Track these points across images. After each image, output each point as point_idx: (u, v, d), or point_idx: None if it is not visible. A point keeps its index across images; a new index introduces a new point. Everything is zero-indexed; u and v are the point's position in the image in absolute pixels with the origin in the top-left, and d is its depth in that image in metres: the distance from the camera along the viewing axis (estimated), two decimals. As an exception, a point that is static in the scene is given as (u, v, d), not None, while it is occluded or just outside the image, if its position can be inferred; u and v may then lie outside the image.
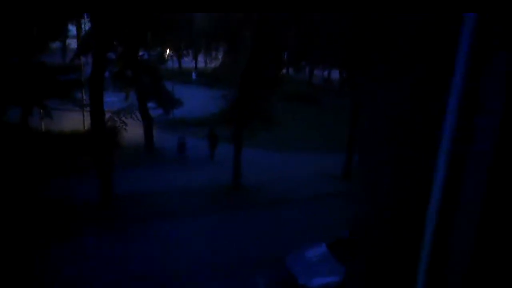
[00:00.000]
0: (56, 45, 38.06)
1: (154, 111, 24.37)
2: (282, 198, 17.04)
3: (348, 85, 30.85)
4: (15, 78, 19.11)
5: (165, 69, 33.91)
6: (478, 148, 2.04)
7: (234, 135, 17.61)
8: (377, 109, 4.27)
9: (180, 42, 43.14)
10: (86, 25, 29.24)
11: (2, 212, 14.18)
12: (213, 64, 47.85)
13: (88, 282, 10.87)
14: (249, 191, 17.70)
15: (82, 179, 17.28)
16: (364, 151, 4.71)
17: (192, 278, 11.21)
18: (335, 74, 48.09)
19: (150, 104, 23.61)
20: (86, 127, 22.20)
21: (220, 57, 45.76)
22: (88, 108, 17.69)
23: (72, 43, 41.54)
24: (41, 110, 21.24)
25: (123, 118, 20.18)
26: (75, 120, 23.90)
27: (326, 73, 52.77)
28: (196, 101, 32.70)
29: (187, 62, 51.40)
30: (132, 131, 21.13)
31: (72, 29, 42.32)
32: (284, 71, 47.59)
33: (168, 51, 38.05)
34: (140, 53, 24.26)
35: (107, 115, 17.15)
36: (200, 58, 52.87)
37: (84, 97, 22.72)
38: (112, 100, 22.60)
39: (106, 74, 18.57)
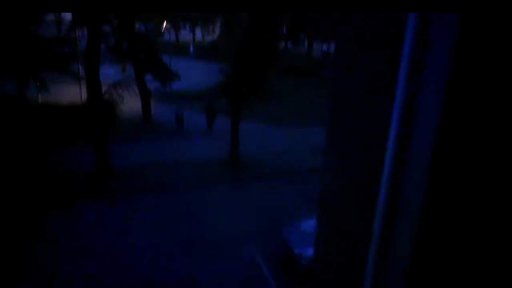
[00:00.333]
0: (50, 17, 37.52)
1: (152, 84, 24.25)
2: (279, 171, 17.17)
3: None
4: (10, 50, 18.93)
5: (162, 42, 33.53)
6: (416, 151, 2.08)
7: (232, 108, 17.58)
8: (338, 98, 4.34)
9: (177, 15, 42.51)
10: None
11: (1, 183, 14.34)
12: (211, 38, 47.28)
13: (87, 252, 11.11)
14: (247, 164, 17.82)
15: (80, 151, 17.40)
16: (329, 140, 4.85)
17: (192, 247, 11.45)
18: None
19: (147, 77, 23.48)
20: (83, 100, 22.14)
21: (217, 30, 45.17)
22: (84, 81, 17.60)
23: (68, 15, 40.98)
24: (37, 83, 21.13)
25: (120, 91, 20.09)
26: (72, 93, 23.81)
27: (325, 46, 52.27)
28: (193, 75, 32.51)
29: (185, 35, 50.78)
30: (130, 104, 21.10)
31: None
32: (282, 44, 47.09)
33: (164, 24, 37.54)
34: (136, 26, 23.96)
35: (104, 88, 17.08)
36: (198, 32, 52.21)
37: (81, 70, 22.54)
38: (109, 72, 22.45)
39: (102, 47, 18.39)
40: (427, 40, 1.90)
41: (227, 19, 35.16)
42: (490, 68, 1.74)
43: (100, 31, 16.31)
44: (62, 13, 43.86)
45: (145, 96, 22.82)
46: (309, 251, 10.26)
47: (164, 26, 37.67)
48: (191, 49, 46.89)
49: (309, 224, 11.16)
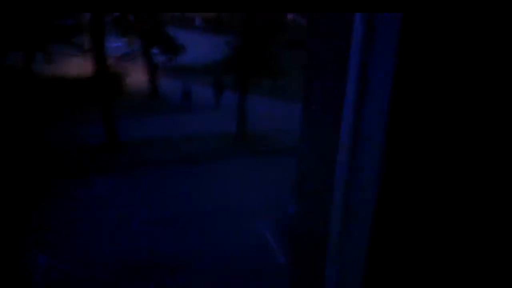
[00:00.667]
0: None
1: (158, 57, 24.02)
2: (287, 146, 17.12)
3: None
4: (16, 22, 18.73)
5: (167, 15, 33.05)
6: (367, 147, 2.07)
7: (239, 83, 17.42)
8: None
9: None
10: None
11: (7, 155, 14.43)
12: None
13: (96, 223, 11.24)
14: (254, 139, 17.76)
15: (87, 124, 17.40)
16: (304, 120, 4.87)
17: (202, 221, 11.55)
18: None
19: (153, 50, 23.24)
20: (89, 73, 22.04)
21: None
22: (90, 54, 17.47)
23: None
24: (44, 55, 21.04)
25: (127, 64, 19.98)
26: (78, 65, 23.65)
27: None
28: (200, 48, 32.14)
29: (191, 7, 49.98)
30: (136, 77, 20.97)
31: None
32: (291, 16, 46.29)
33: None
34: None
35: (111, 61, 16.97)
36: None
37: (85, 42, 22.35)
38: (116, 45, 22.24)
39: (108, 19, 18.16)
40: (373, 40, 1.90)
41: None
42: (434, 66, 1.73)
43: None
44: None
45: (152, 70, 22.65)
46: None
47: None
48: (197, 21, 46.27)
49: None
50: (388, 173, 1.92)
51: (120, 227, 11.15)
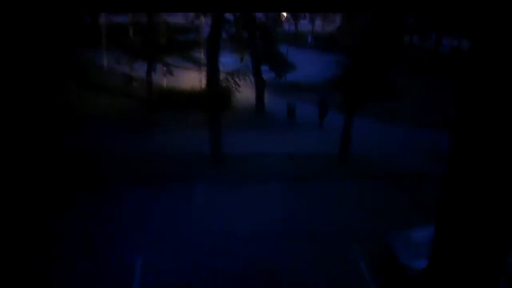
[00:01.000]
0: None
1: (267, 74, 24.45)
2: (390, 172, 16.16)
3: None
4: (142, 35, 20.50)
5: (280, 32, 33.68)
6: None
7: (346, 103, 16.88)
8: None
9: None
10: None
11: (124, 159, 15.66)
12: (330, 28, 46.28)
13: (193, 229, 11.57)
14: (357, 162, 17.05)
15: (196, 133, 18.18)
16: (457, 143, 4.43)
17: (294, 240, 11.36)
18: (466, 43, 43.39)
19: (263, 67, 23.71)
20: (202, 85, 23.23)
21: (338, 20, 43.96)
22: (204, 67, 18.36)
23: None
24: (164, 67, 22.68)
25: (237, 80, 20.62)
26: (192, 78, 25.07)
27: (456, 42, 47.90)
28: (309, 66, 32.13)
29: (304, 25, 50.45)
30: (244, 92, 21.54)
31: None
32: (407, 39, 44.28)
33: (285, 13, 37.63)
34: (257, 15, 24.29)
35: (222, 76, 17.63)
36: (317, 22, 51.48)
37: (202, 57, 23.62)
38: (227, 61, 23.17)
39: (223, 35, 18.94)
40: None
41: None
42: None
43: (223, 19, 16.79)
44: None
45: (260, 86, 23.09)
46: (418, 263, 9.45)
47: (284, 16, 37.76)
48: (309, 39, 46.47)
49: (420, 234, 10.31)
50: None
51: (226, 239, 11.34)
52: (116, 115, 21.38)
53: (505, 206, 4.17)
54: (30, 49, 12.21)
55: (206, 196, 13.83)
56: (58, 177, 13.60)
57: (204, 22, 26.19)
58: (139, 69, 23.41)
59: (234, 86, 20.07)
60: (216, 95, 16.34)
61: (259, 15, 25.13)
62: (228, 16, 19.79)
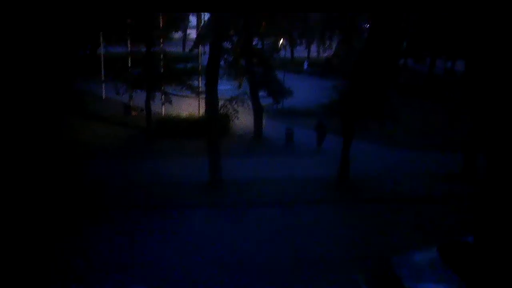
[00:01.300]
0: (178, 35, 40.81)
1: (264, 100, 24.71)
2: (389, 196, 16.17)
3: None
4: (141, 65, 20.82)
5: (277, 58, 34.15)
6: None
7: (344, 127, 17.05)
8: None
9: (294, 31, 43.03)
10: (205, 16, 30.74)
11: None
12: (326, 54, 46.97)
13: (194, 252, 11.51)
14: (356, 185, 17.11)
15: (195, 160, 18.25)
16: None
17: (298, 267, 11.30)
18: (461, 65, 43.99)
19: (260, 93, 23.98)
20: (200, 113, 23.44)
21: (333, 46, 44.65)
22: (203, 95, 18.60)
23: (192, 33, 44.10)
24: (162, 95, 22.94)
25: (235, 106, 20.85)
26: (190, 106, 25.30)
27: (449, 64, 48.52)
28: (306, 91, 32.46)
29: (300, 51, 51.21)
30: (242, 119, 21.72)
31: (193, 20, 44.78)
32: (401, 61, 44.89)
33: (281, 40, 38.26)
34: (254, 43, 24.73)
35: (221, 103, 17.85)
36: (313, 48, 52.28)
37: (200, 85, 23.90)
38: (226, 88, 23.48)
39: (221, 63, 19.27)
40: None
41: (345, 34, 34.65)
42: None
43: (221, 48, 17.12)
44: (187, 32, 47.43)
45: (258, 112, 23.31)
46: (421, 286, 9.40)
47: (281, 43, 38.40)
48: (305, 65, 47.07)
49: (423, 257, 10.27)
50: None
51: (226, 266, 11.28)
52: (115, 144, 21.53)
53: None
54: (29, 78, 12.40)
55: (204, 221, 13.98)
56: (58, 205, 13.70)
57: (202, 50, 26.70)
58: (138, 98, 23.70)
59: (231, 113, 20.29)
60: (214, 122, 16.51)
61: (256, 42, 25.60)
62: (226, 44, 20.14)
